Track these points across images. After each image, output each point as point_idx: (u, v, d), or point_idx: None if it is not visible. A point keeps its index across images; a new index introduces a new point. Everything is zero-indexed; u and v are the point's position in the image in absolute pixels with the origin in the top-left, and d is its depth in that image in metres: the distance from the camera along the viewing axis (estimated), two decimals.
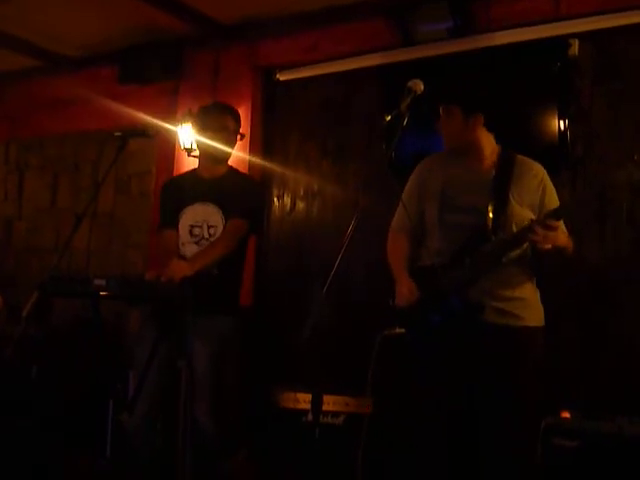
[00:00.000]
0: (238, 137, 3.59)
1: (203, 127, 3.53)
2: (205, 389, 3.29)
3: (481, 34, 4.12)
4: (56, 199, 5.94)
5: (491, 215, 2.85)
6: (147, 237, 5.29)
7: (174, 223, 3.54)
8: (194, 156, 3.65)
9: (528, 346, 2.86)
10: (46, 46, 5.48)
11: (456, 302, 2.85)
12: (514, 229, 2.86)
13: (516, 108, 3.83)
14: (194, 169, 3.70)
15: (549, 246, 2.74)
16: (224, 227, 3.44)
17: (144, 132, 3.46)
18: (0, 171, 6.33)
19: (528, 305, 2.90)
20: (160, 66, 5.10)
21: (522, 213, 2.87)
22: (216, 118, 3.53)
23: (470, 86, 3.01)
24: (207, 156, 3.56)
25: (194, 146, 4.62)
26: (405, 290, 2.94)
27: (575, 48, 3.85)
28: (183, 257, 3.41)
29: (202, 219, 3.49)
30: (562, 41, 3.88)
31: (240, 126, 3.60)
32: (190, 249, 3.46)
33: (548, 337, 2.96)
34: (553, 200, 2.93)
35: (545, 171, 2.98)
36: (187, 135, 4.76)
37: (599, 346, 3.70)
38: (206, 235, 3.48)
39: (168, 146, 5.09)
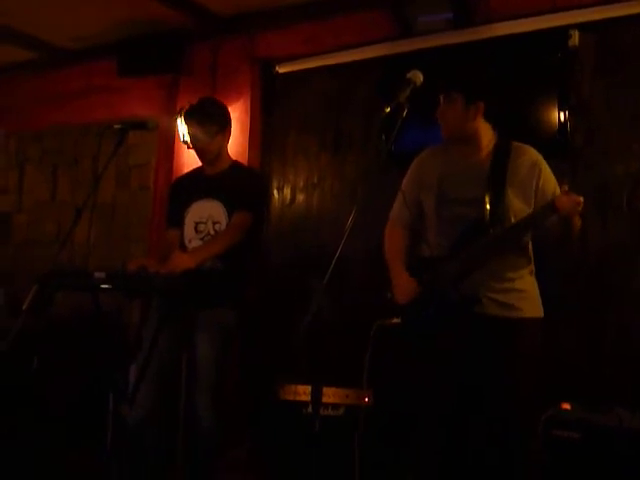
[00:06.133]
0: (225, 129, 3.61)
1: (187, 131, 3.64)
2: (206, 382, 3.29)
3: (481, 25, 4.10)
4: (56, 192, 5.93)
5: (488, 207, 2.84)
6: (147, 230, 5.30)
7: (178, 223, 3.59)
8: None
9: (526, 338, 2.85)
10: (43, 38, 5.46)
11: (451, 294, 2.84)
12: (512, 220, 2.84)
13: (516, 99, 3.83)
14: (200, 167, 3.72)
15: (574, 215, 2.74)
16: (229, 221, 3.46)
17: (144, 124, 3.45)
18: None
19: (526, 296, 2.90)
20: (159, 58, 5.09)
21: (519, 204, 2.86)
22: (191, 125, 3.58)
23: (472, 74, 2.99)
24: (198, 156, 3.63)
25: None
26: (405, 285, 2.94)
27: (575, 39, 3.84)
28: None
29: (207, 215, 3.51)
30: (562, 32, 3.86)
31: (224, 120, 3.61)
32: (196, 245, 3.49)
33: (549, 328, 2.96)
34: (550, 183, 2.91)
35: (541, 156, 2.97)
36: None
37: (600, 337, 3.70)
38: (211, 231, 3.49)
39: (168, 138, 5.09)
